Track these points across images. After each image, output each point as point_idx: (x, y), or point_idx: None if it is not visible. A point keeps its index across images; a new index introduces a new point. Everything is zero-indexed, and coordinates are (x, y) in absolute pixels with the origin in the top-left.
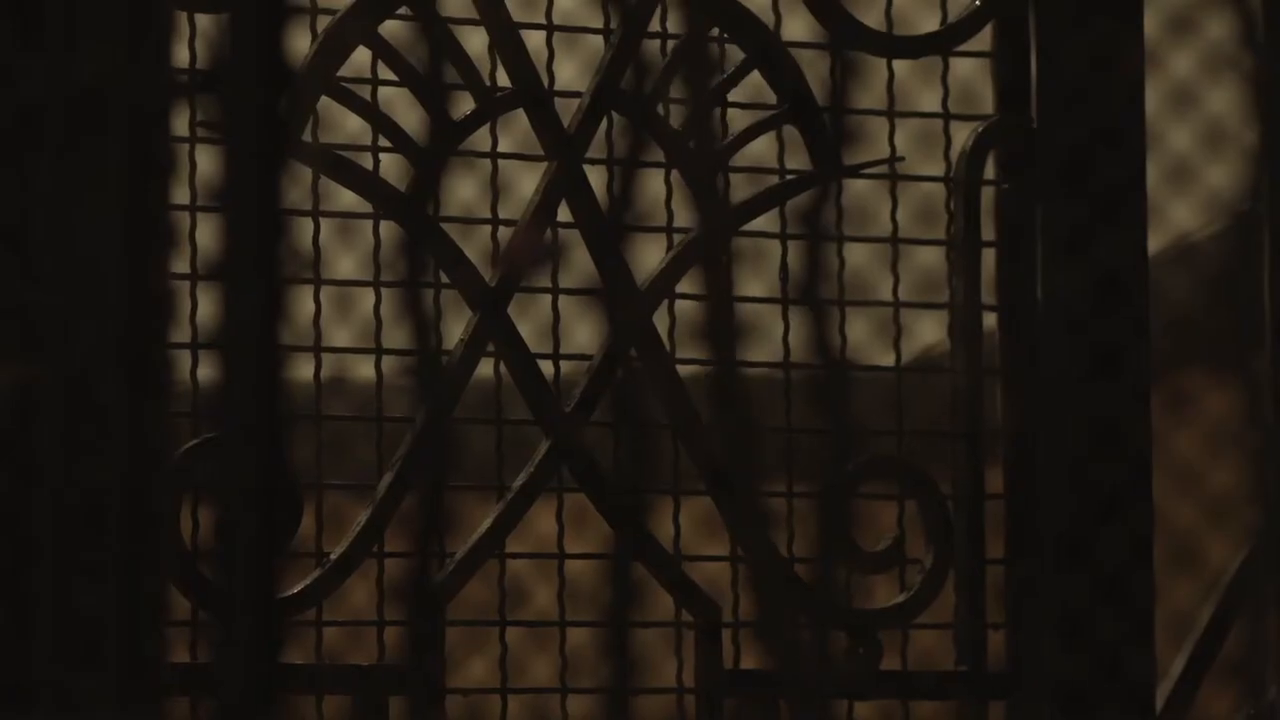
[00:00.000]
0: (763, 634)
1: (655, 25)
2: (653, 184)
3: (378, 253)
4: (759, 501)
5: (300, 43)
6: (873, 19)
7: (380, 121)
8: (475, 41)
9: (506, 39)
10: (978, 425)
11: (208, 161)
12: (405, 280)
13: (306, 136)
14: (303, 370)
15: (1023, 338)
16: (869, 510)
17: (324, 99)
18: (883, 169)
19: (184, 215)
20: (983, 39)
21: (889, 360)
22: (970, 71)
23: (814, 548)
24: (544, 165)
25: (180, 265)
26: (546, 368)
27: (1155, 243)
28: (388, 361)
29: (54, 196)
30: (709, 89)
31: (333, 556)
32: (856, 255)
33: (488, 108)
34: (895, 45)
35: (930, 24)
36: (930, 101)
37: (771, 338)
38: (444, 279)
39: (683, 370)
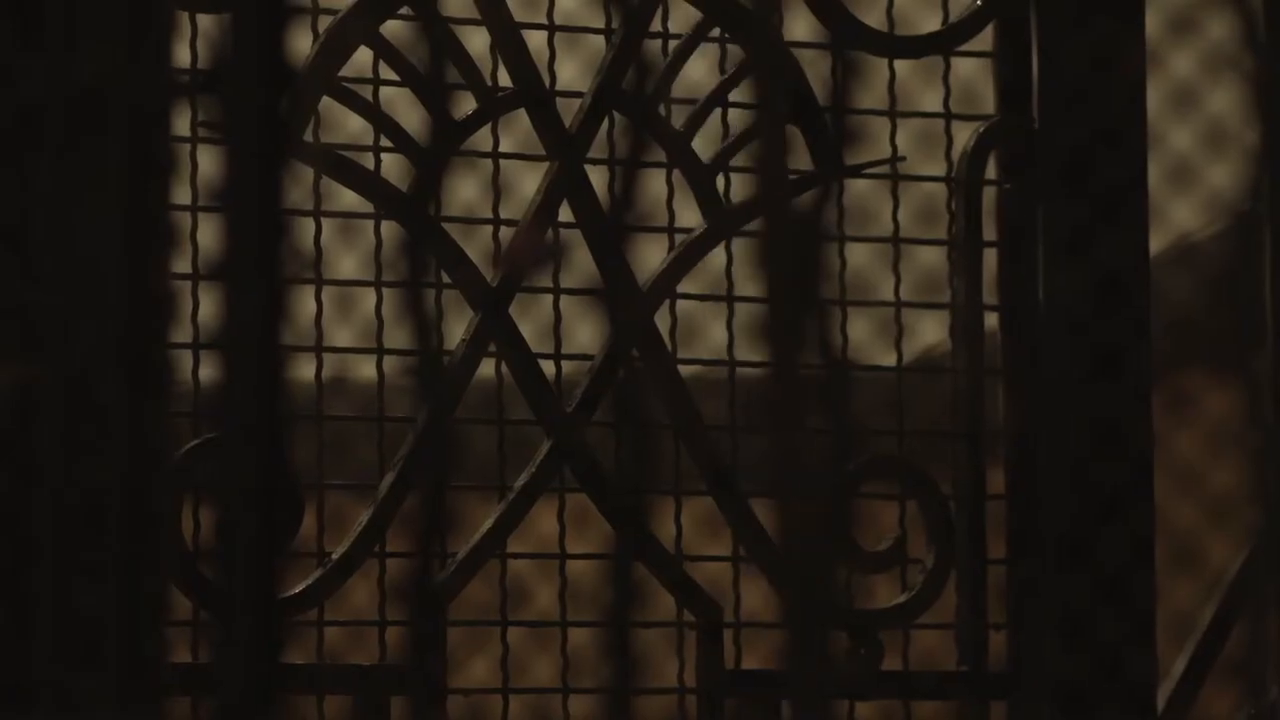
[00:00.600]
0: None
1: (657, 25)
2: (654, 184)
3: (379, 253)
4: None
5: (301, 43)
6: (874, 19)
7: (382, 121)
8: (477, 41)
9: (508, 39)
10: (979, 425)
11: (208, 161)
12: (407, 280)
13: (308, 136)
14: (304, 370)
15: (1024, 338)
16: (870, 510)
17: (325, 99)
18: (884, 169)
19: (184, 215)
20: (984, 39)
21: (890, 360)
22: (971, 71)
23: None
24: (545, 165)
25: (181, 265)
26: (548, 368)
27: (1156, 243)
28: (389, 361)
29: (54, 196)
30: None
31: (334, 556)
32: (858, 255)
33: (489, 108)
34: (896, 45)
35: (931, 24)
36: (931, 101)
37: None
38: (445, 279)
39: (684, 370)
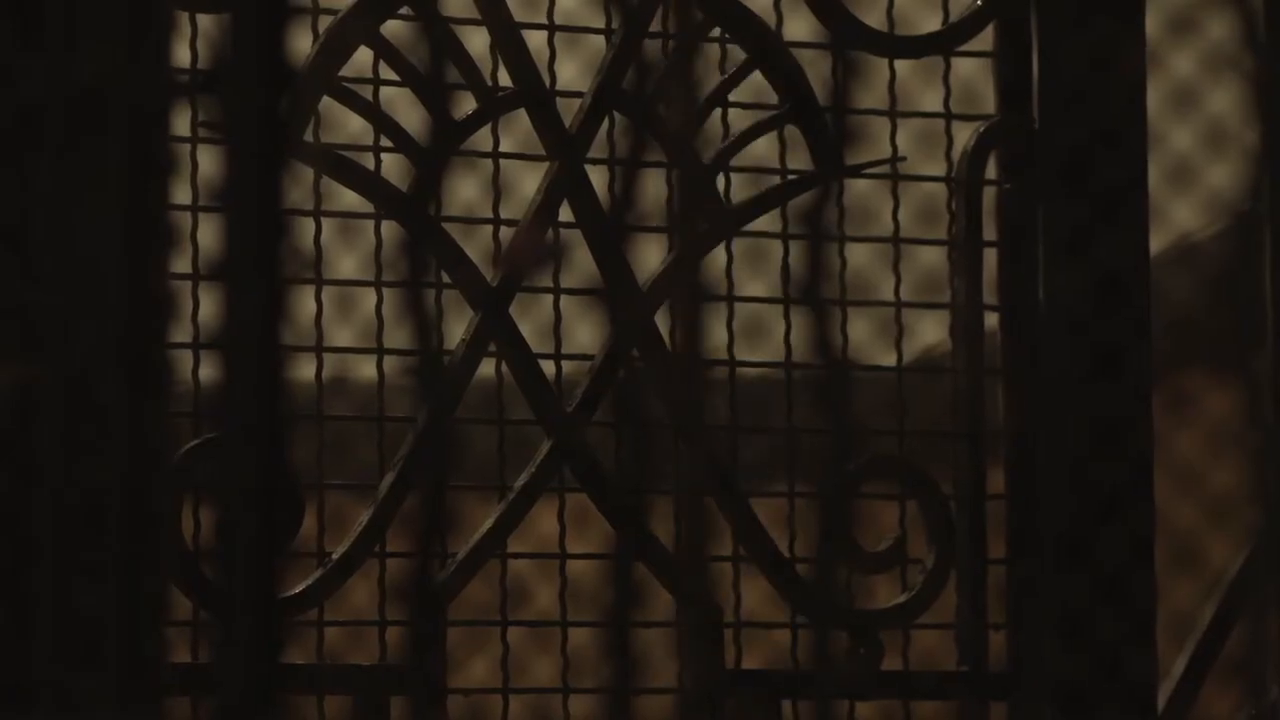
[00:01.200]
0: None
1: (657, 25)
2: (654, 184)
3: (379, 253)
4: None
5: (302, 43)
6: (874, 19)
7: (382, 121)
8: (477, 41)
9: (508, 39)
10: (979, 425)
11: (208, 161)
12: (407, 280)
13: (308, 136)
14: (304, 370)
15: (1024, 338)
16: (870, 510)
17: (325, 99)
18: (884, 169)
19: (184, 215)
20: (984, 39)
21: (890, 360)
22: (972, 71)
23: (815, 548)
24: (546, 165)
25: (181, 265)
26: (548, 368)
27: (1156, 243)
28: (389, 361)
29: (54, 196)
30: (699, 86)
31: (334, 556)
32: (858, 255)
33: (489, 108)
34: (897, 45)
35: (932, 24)
36: (932, 101)
37: (773, 338)
38: (446, 279)
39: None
